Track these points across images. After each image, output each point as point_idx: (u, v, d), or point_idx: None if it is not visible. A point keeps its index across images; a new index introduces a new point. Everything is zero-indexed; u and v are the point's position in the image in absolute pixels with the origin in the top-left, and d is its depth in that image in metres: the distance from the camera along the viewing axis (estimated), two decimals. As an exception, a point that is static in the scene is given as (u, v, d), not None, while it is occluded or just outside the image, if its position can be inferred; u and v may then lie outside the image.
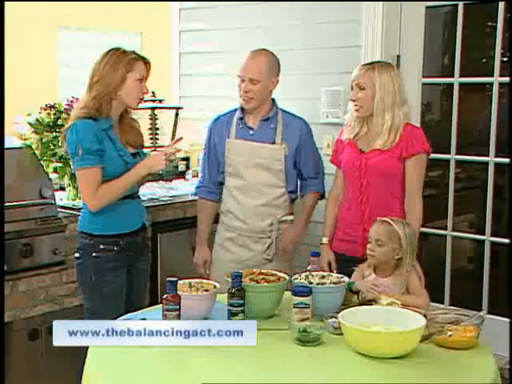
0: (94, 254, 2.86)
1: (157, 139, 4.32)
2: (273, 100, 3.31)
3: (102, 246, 2.86)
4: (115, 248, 2.86)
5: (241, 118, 3.29)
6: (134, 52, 2.88)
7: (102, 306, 2.85)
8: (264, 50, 3.27)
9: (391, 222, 2.67)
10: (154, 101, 4.30)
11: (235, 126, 3.29)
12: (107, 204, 2.81)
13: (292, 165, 3.29)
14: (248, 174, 3.26)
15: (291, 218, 3.35)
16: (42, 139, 3.51)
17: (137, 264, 2.98)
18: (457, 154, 3.74)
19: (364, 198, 3.01)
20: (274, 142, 3.25)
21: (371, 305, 2.52)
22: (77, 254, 2.92)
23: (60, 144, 3.37)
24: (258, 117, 3.27)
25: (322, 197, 3.40)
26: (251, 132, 3.27)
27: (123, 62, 2.82)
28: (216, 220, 3.44)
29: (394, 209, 2.92)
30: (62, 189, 3.68)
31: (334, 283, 2.59)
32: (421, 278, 2.73)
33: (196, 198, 3.48)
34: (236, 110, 3.32)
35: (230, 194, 3.31)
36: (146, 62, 2.89)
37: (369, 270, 2.72)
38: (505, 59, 3.60)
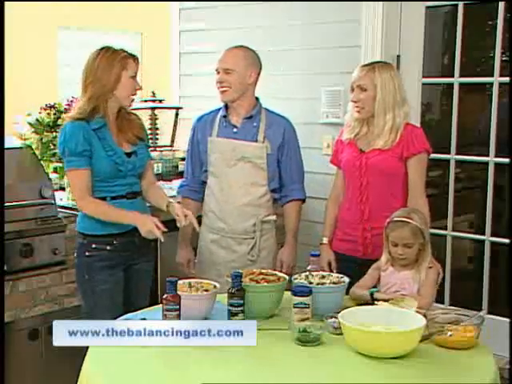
0: (86, 254, 2.87)
1: (157, 139, 4.32)
2: (257, 98, 3.28)
3: (94, 246, 2.86)
4: (108, 247, 2.86)
5: (224, 116, 3.25)
6: (122, 50, 2.87)
7: (97, 305, 2.85)
8: (242, 46, 3.25)
9: (410, 221, 2.64)
10: (154, 101, 4.30)
11: (218, 124, 3.26)
12: (91, 214, 2.82)
13: (275, 163, 3.24)
14: (230, 172, 3.21)
15: (274, 217, 3.29)
16: (42, 139, 3.52)
17: (136, 264, 2.96)
18: (457, 153, 3.74)
19: (364, 197, 3.01)
20: (256, 141, 3.21)
21: (371, 304, 2.52)
22: (75, 254, 2.94)
23: (59, 144, 3.38)
24: (241, 114, 3.24)
25: (303, 201, 3.35)
26: (235, 130, 3.24)
27: (117, 61, 2.81)
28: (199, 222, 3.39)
29: (394, 208, 2.92)
30: (62, 189, 3.67)
31: (334, 283, 2.59)
32: (439, 275, 2.72)
33: None
34: (220, 108, 3.29)
35: (213, 194, 3.27)
36: (135, 59, 2.89)
37: (387, 264, 2.71)
38: (505, 59, 3.60)
